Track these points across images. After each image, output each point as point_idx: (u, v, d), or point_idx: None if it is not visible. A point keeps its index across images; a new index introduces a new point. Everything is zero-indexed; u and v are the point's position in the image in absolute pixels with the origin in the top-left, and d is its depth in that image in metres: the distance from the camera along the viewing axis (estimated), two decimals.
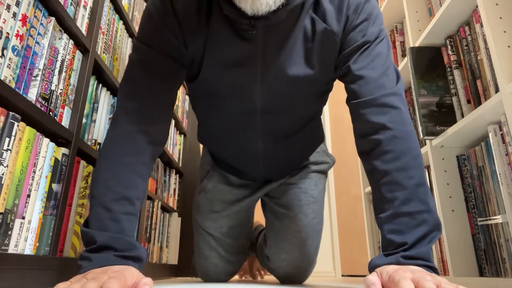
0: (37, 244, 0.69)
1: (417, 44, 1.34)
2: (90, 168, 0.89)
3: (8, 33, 0.62)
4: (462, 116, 1.15)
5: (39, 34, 0.71)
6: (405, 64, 1.46)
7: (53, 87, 0.75)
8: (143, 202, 0.72)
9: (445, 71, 1.25)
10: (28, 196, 0.66)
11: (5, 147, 0.60)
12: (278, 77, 0.76)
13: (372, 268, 0.62)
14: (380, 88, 0.68)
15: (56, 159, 0.75)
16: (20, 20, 0.65)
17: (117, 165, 0.66)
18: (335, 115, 3.08)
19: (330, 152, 1.21)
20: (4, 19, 0.61)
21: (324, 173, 1.15)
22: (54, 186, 0.74)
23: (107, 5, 1.02)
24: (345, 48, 0.73)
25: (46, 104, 0.72)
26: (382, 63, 0.71)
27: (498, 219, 0.99)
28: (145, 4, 1.41)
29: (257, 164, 0.99)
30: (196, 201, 1.15)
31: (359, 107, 0.70)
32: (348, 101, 0.74)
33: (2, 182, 0.59)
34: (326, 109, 3.09)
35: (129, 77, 0.73)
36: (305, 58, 0.74)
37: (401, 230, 0.61)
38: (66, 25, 0.80)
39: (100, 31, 0.97)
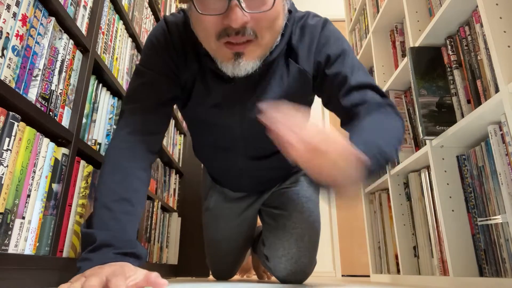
0: (37, 244, 0.69)
1: (417, 44, 1.34)
2: (90, 168, 0.89)
3: (8, 33, 0.62)
4: (462, 116, 1.15)
5: (39, 34, 0.71)
6: (405, 64, 1.46)
7: (53, 87, 0.75)
8: (144, 206, 0.74)
9: (445, 71, 1.25)
10: (28, 196, 0.66)
11: (5, 147, 0.60)
12: (255, 112, 0.85)
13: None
14: (354, 79, 0.77)
15: (56, 159, 0.75)
16: (20, 20, 0.65)
17: (118, 169, 0.70)
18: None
19: None
20: (4, 19, 0.61)
21: None
22: (54, 186, 0.74)
23: (107, 5, 1.02)
24: (328, 82, 0.82)
25: (46, 104, 0.72)
26: (352, 64, 0.80)
27: (498, 219, 0.99)
28: (145, 4, 1.41)
29: (243, 179, 1.08)
30: (203, 220, 1.27)
31: (338, 100, 0.78)
32: (327, 104, 0.84)
33: (2, 182, 0.59)
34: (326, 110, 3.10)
35: (131, 95, 0.81)
36: (279, 94, 0.83)
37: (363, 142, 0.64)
38: (66, 25, 0.80)
39: (100, 31, 0.97)
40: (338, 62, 0.80)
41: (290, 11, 0.79)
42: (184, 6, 1.12)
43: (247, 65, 0.69)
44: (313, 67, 0.82)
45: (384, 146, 0.65)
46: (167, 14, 1.81)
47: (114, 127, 1.05)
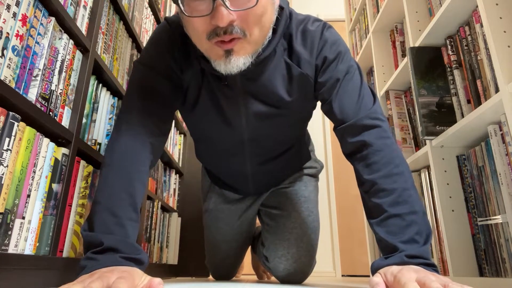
0: (37, 244, 0.69)
1: (417, 44, 1.34)
2: (90, 168, 0.89)
3: (8, 33, 0.62)
4: (462, 116, 1.15)
5: (39, 34, 0.71)
6: (405, 64, 1.46)
7: (53, 87, 0.75)
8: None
9: (445, 71, 1.25)
10: (28, 196, 0.66)
11: (5, 147, 0.60)
12: (260, 114, 0.86)
13: (374, 270, 0.62)
14: (357, 113, 0.76)
15: (56, 159, 0.75)
16: (20, 20, 0.65)
17: (123, 173, 0.69)
18: None
19: (323, 157, 1.27)
20: (4, 19, 0.61)
21: (313, 176, 1.22)
22: (54, 186, 0.74)
23: (107, 5, 1.02)
24: (321, 86, 0.82)
25: (46, 104, 0.72)
26: (357, 92, 0.79)
27: (498, 219, 0.99)
28: (145, 4, 1.41)
29: (247, 182, 1.08)
30: (203, 221, 1.27)
31: (343, 132, 0.78)
32: (334, 129, 0.81)
33: (2, 182, 0.59)
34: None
35: (132, 94, 0.79)
36: (283, 96, 0.83)
37: (392, 231, 0.64)
38: (66, 25, 0.80)
39: (100, 31, 0.97)
40: (333, 66, 0.80)
41: (282, 8, 0.79)
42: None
43: (238, 61, 0.69)
44: (315, 69, 0.82)
45: (421, 230, 0.64)
46: (167, 14, 1.81)
47: None
